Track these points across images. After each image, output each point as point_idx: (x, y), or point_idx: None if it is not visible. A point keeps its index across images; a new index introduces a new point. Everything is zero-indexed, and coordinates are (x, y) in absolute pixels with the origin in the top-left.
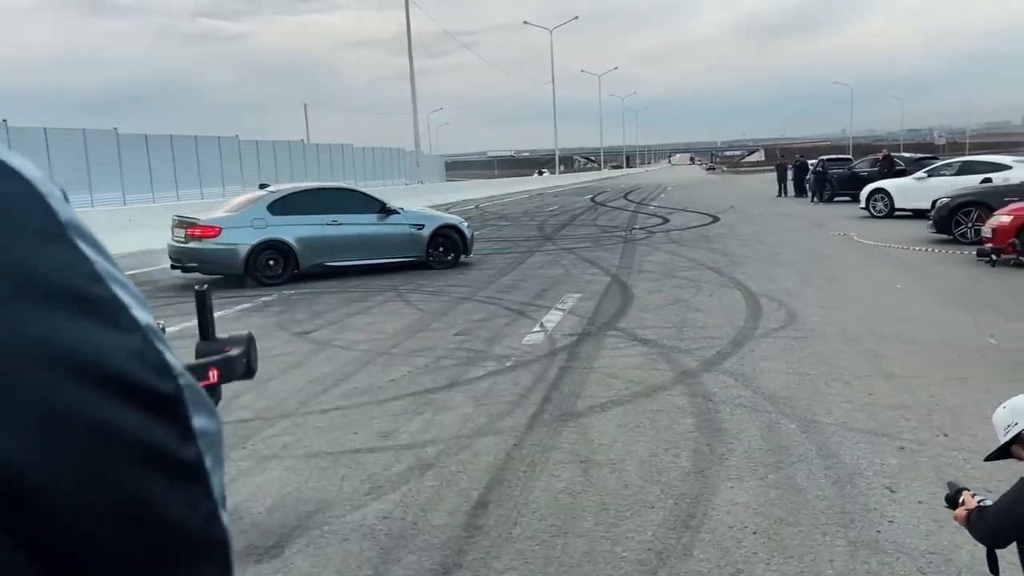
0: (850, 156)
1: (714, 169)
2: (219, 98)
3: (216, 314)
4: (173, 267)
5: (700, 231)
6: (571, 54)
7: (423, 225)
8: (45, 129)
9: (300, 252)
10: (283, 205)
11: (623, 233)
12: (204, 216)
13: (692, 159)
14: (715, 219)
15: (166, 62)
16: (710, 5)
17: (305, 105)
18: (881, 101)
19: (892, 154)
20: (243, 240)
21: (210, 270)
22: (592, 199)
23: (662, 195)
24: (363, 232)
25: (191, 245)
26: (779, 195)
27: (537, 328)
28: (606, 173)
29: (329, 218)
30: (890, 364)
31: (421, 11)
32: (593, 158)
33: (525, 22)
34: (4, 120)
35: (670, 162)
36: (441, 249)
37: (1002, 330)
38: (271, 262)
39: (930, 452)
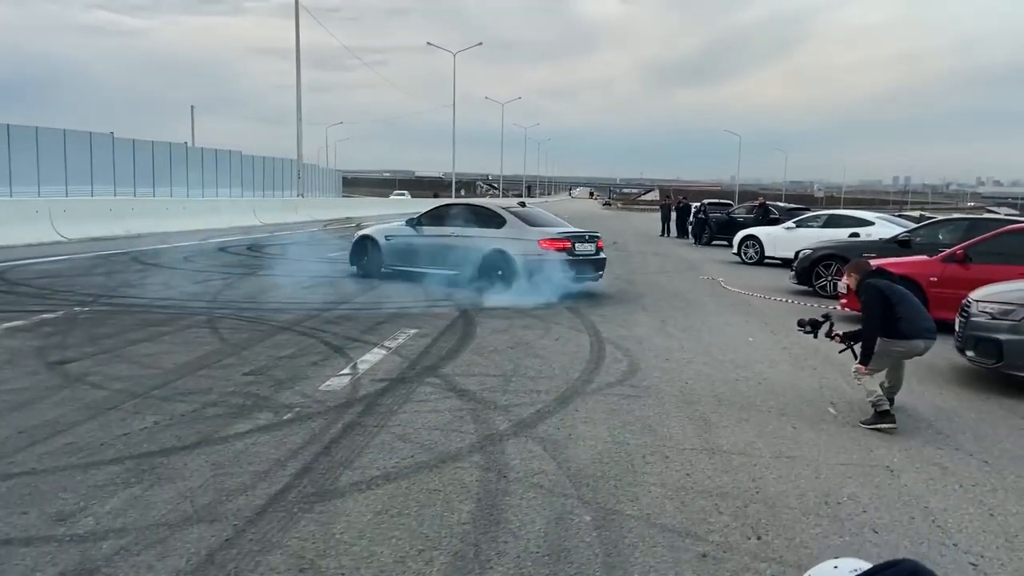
0: (731, 202)
1: (610, 204)
2: (110, 95)
3: None
4: None
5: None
6: (478, 83)
7: None
8: None
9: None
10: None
11: None
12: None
13: (592, 193)
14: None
15: (56, 53)
16: (610, 46)
17: (192, 107)
18: (767, 152)
19: (768, 203)
20: None
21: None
22: None
23: None
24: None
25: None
26: (662, 234)
27: (347, 370)
28: (500, 201)
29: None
30: (719, 435)
31: (316, 23)
32: (496, 184)
33: (428, 43)
34: None
35: (570, 195)
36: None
37: (845, 397)
38: None
39: (734, 564)
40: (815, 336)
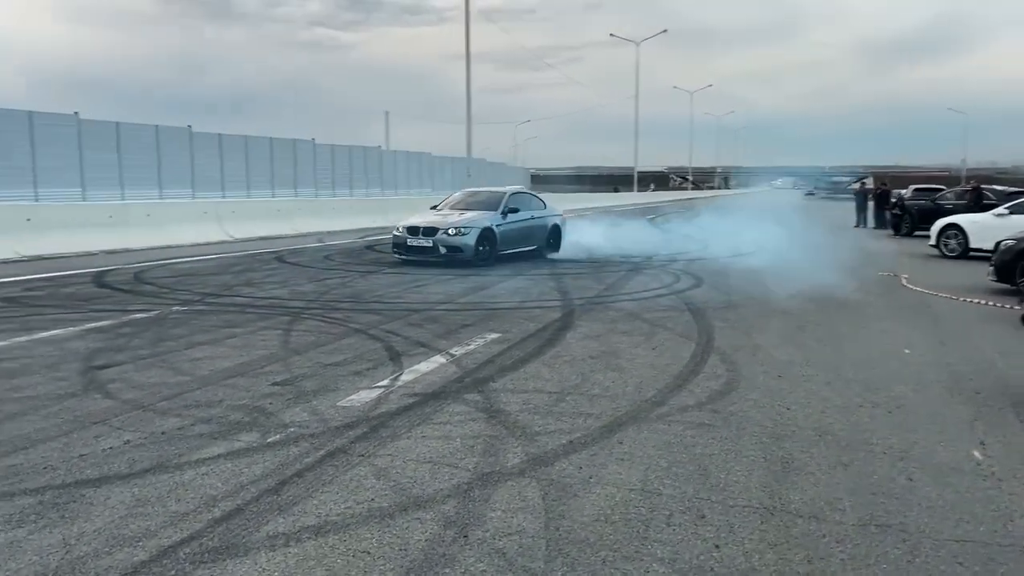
0: (941, 187)
1: (813, 194)
2: (327, 103)
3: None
4: None
5: (732, 260)
6: (669, 72)
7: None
8: (117, 124)
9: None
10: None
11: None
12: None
13: (795, 184)
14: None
15: (281, 68)
16: (817, 25)
17: (387, 113)
18: (1009, 131)
19: (983, 186)
20: None
21: None
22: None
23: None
24: None
25: None
26: (857, 225)
27: (385, 382)
28: (692, 194)
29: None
30: (794, 487)
31: (509, 28)
32: (690, 177)
33: (611, 35)
34: (76, 112)
35: (772, 185)
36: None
37: (1004, 435)
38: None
39: None
40: None
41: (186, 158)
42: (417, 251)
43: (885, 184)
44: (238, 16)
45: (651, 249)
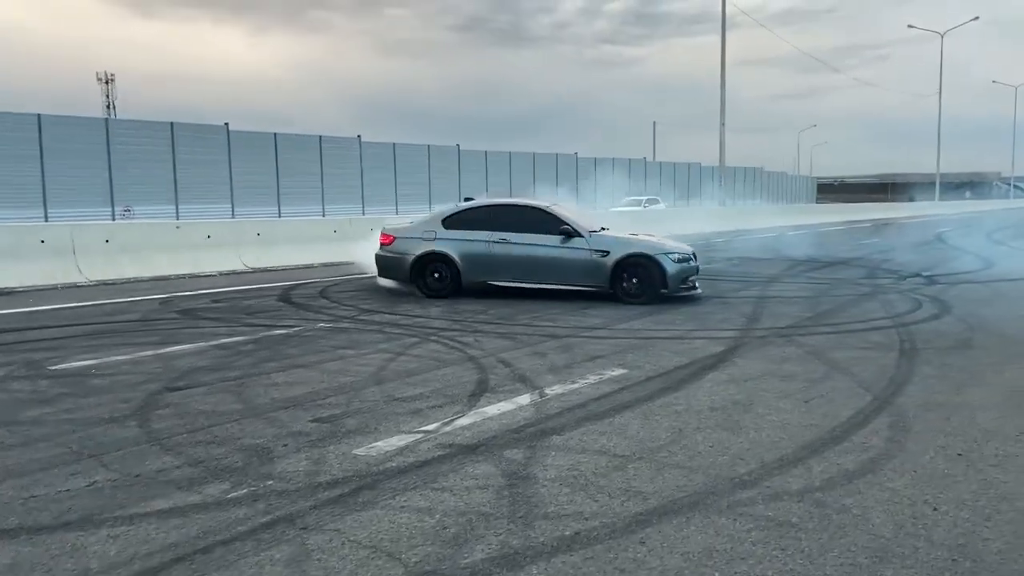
0: None
1: None
2: (606, 117)
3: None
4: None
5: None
6: (994, 65)
7: (607, 252)
8: (394, 144)
9: (462, 267)
10: (456, 220)
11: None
12: (389, 224)
13: None
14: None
15: (570, 86)
16: None
17: (654, 123)
18: None
19: None
20: (411, 250)
21: (387, 275)
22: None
23: None
24: (532, 253)
25: (379, 251)
26: None
27: (433, 425)
28: (1012, 203)
29: (497, 235)
30: None
31: (805, 28)
32: (1011, 182)
33: (910, 26)
34: (359, 136)
35: None
36: (634, 281)
37: None
38: (436, 274)
39: None
40: None
41: (455, 174)
42: None
43: None
44: (530, 39)
45: (919, 266)
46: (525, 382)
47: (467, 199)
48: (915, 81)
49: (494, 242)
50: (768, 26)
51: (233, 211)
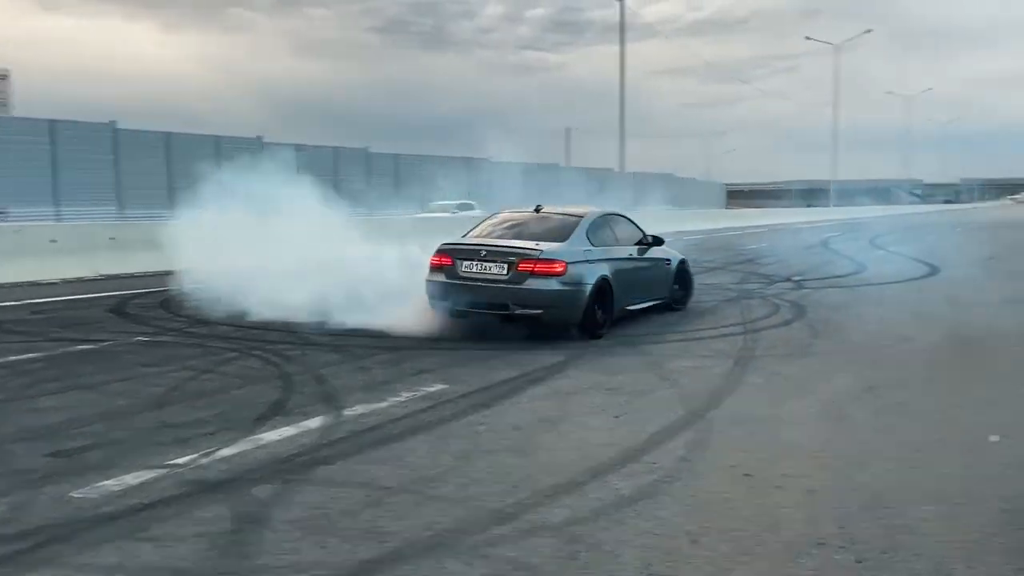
0: None
1: None
2: (528, 124)
3: None
4: (458, 314)
5: (885, 288)
6: (894, 78)
7: (669, 260)
8: (295, 146)
9: (616, 294)
10: (596, 232)
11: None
12: (545, 246)
13: None
14: (933, 270)
15: (490, 91)
16: None
17: (567, 130)
18: None
19: None
20: (585, 277)
21: (553, 317)
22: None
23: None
24: (640, 267)
25: (527, 285)
26: None
27: (188, 457)
28: (910, 209)
29: (625, 250)
30: None
31: (720, 40)
32: (918, 192)
33: (807, 38)
34: (259, 136)
35: (1014, 200)
36: (676, 287)
37: None
38: (599, 307)
39: None
40: None
41: (362, 178)
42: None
43: None
44: (453, 43)
45: (794, 270)
46: (329, 402)
47: (537, 208)
48: (822, 91)
49: (633, 258)
50: (679, 37)
51: (123, 214)
